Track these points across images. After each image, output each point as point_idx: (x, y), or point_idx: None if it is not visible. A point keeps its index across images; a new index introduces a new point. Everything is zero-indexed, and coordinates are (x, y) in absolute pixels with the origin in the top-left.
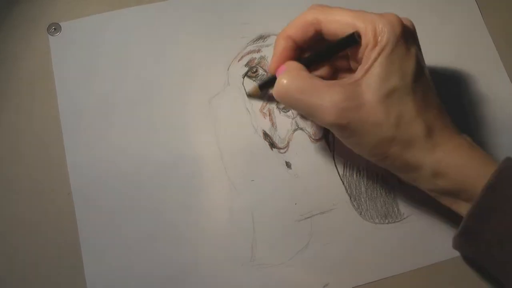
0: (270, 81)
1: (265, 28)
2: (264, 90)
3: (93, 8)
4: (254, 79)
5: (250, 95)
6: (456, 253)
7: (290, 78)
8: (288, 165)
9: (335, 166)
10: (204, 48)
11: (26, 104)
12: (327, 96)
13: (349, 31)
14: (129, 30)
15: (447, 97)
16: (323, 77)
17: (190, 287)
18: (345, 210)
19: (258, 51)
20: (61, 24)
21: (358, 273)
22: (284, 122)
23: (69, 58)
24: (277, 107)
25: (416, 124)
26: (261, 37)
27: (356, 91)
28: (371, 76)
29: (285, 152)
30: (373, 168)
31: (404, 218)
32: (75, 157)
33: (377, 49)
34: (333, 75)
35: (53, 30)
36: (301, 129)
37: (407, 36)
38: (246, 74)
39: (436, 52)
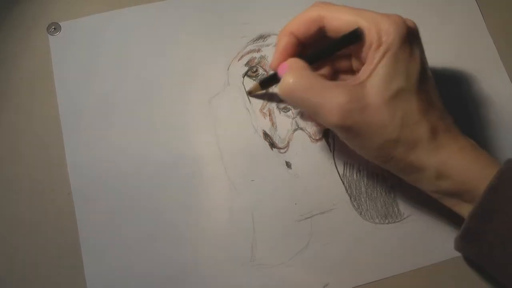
0: (271, 78)
1: (265, 27)
2: (264, 87)
3: (93, 7)
4: (254, 78)
5: (251, 92)
6: (456, 253)
7: (296, 76)
8: (288, 165)
9: (335, 166)
10: (204, 48)
11: (26, 104)
12: (332, 97)
13: (352, 28)
14: (129, 30)
15: (447, 97)
16: (323, 77)
17: (190, 287)
18: (345, 210)
19: (258, 50)
20: (61, 23)
21: (358, 273)
22: (284, 122)
23: (69, 58)
24: (277, 107)
25: (421, 125)
26: (261, 37)
27: (361, 92)
28: (376, 77)
29: (285, 152)
30: (373, 168)
31: (404, 218)
32: (75, 157)
33: (382, 49)
34: (333, 76)
35: (53, 29)
36: (301, 129)
37: (411, 37)
38: (246, 74)
39: (436, 52)
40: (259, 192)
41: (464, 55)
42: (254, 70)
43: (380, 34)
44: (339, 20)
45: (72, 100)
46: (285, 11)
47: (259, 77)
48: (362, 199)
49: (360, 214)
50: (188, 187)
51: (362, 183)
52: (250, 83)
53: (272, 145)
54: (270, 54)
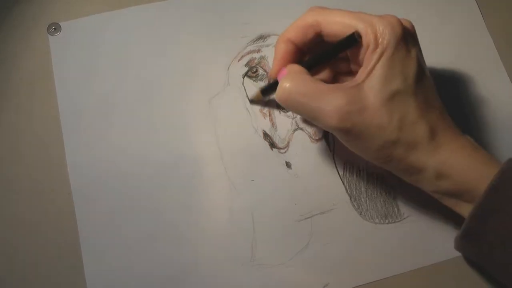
0: (273, 86)
1: (265, 28)
2: (266, 95)
3: (93, 8)
4: (254, 79)
5: (253, 101)
6: (456, 253)
7: (293, 81)
8: (288, 165)
9: (335, 166)
10: (204, 48)
11: (26, 104)
12: (330, 100)
13: (349, 32)
14: (129, 30)
15: (447, 98)
16: (324, 81)
17: (190, 287)
18: (345, 210)
19: (258, 51)
20: (61, 24)
21: (358, 273)
22: (284, 122)
23: (69, 58)
24: (277, 107)
25: (419, 125)
26: (261, 37)
27: (359, 95)
28: (373, 79)
29: (285, 152)
30: (373, 168)
31: (404, 218)
32: (75, 157)
33: (378, 51)
34: (333, 79)
35: (53, 30)
36: (301, 129)
37: (407, 37)
38: (246, 74)
39: (436, 52)
40: (259, 192)
41: (464, 55)
42: (254, 70)
43: (376, 36)
44: (336, 24)
45: (72, 100)
46: (285, 11)
47: (259, 77)
48: (362, 199)
49: (360, 214)
50: (188, 187)
51: (362, 183)
52: (250, 84)
53: (272, 145)
54: (270, 54)
